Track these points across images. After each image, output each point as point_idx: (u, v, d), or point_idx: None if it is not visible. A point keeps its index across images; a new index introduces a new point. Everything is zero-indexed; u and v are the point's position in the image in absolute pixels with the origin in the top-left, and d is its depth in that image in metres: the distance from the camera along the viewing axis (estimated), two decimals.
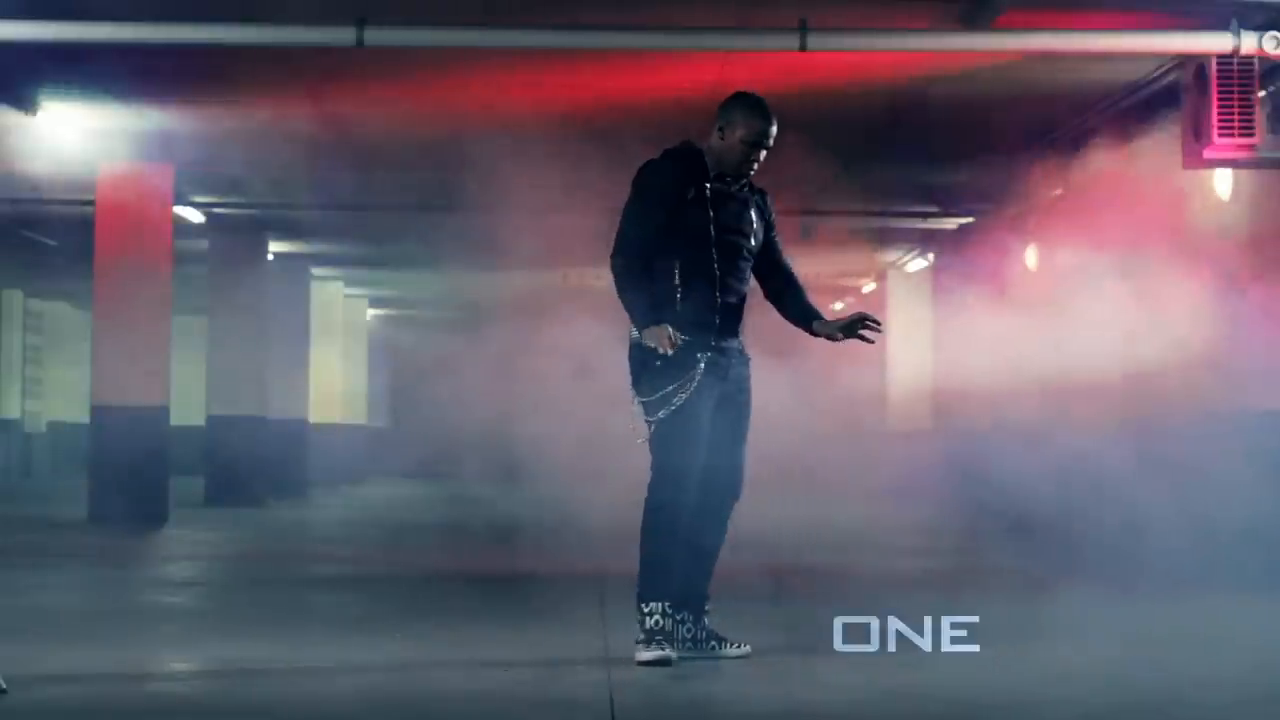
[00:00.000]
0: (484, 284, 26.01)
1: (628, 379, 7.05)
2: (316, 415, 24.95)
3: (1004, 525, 14.44)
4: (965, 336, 16.72)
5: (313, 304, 24.66)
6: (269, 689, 6.29)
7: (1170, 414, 11.92)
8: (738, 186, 7.06)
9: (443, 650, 7.35)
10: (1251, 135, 10.47)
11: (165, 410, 16.33)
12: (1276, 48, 10.08)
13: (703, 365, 6.90)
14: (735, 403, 7.03)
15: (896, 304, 22.52)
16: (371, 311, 31.00)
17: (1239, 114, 10.42)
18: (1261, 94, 10.60)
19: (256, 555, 13.06)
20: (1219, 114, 10.42)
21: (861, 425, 19.49)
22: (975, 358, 15.61)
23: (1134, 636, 8.04)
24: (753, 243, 7.08)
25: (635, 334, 6.96)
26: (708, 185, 7.00)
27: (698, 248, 6.94)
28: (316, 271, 24.95)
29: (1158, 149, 12.39)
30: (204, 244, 20.53)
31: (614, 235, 7.06)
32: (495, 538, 15.32)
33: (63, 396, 30.12)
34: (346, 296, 27.70)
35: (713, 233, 6.96)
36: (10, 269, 25.95)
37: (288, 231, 21.19)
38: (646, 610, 6.89)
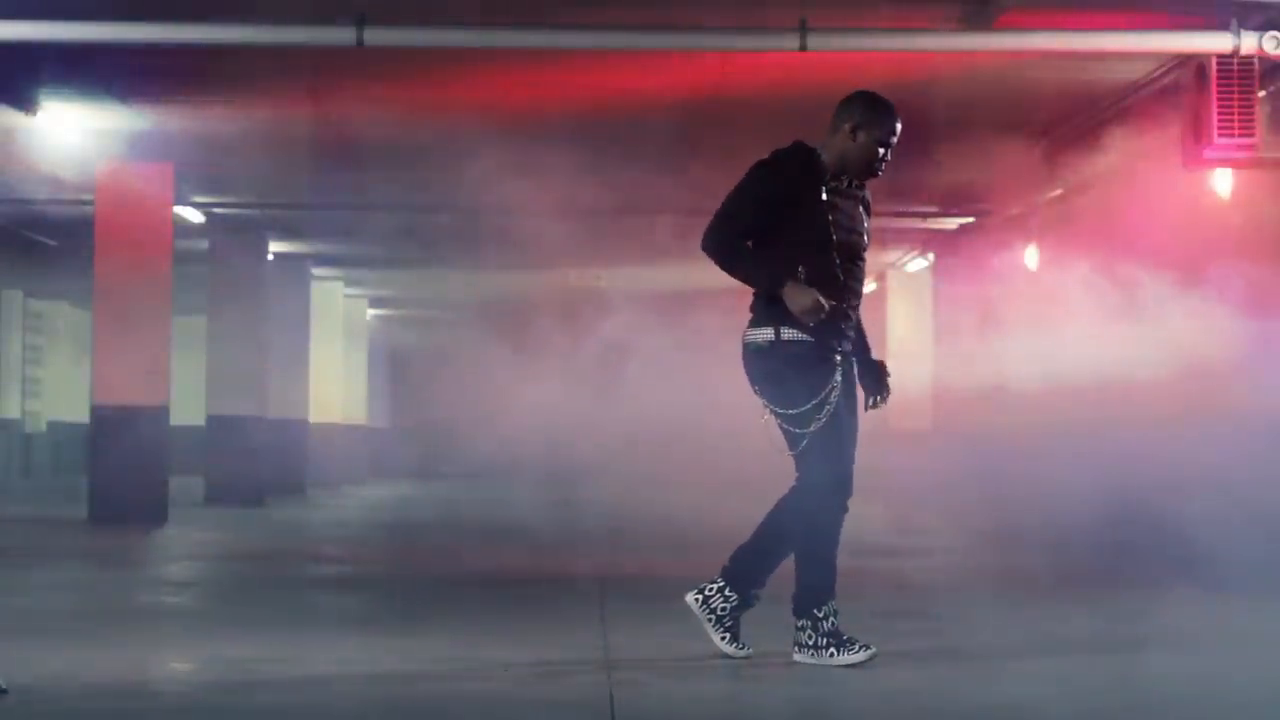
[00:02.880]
0: (485, 284, 26.02)
1: (755, 388, 6.88)
2: (316, 415, 24.96)
3: (1004, 528, 14.44)
4: (965, 337, 16.72)
5: (313, 304, 24.66)
6: (269, 689, 6.29)
7: (1163, 417, 11.92)
8: (849, 185, 6.94)
9: (443, 650, 7.35)
10: (1251, 135, 10.47)
11: (165, 410, 16.33)
12: (1276, 48, 10.09)
13: (840, 371, 6.81)
14: (854, 406, 6.94)
15: (896, 304, 22.51)
16: (371, 311, 30.99)
17: (1239, 114, 10.42)
18: (1261, 94, 10.60)
19: (256, 555, 13.06)
20: (1219, 114, 10.42)
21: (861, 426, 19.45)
22: (975, 358, 15.61)
23: (1139, 640, 8.04)
24: (866, 240, 6.98)
25: (762, 341, 6.82)
26: (824, 187, 6.87)
27: (820, 251, 6.79)
28: (316, 271, 24.95)
29: (1158, 149, 12.39)
30: (204, 244, 20.53)
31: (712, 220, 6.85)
32: (495, 538, 15.31)
33: (63, 396, 30.12)
34: (346, 296, 27.69)
35: (834, 235, 6.83)
36: (10, 269, 25.94)
37: (288, 231, 21.19)
38: (822, 614, 6.81)
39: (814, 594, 6.83)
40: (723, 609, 6.96)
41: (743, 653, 6.96)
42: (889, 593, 9.95)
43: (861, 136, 6.89)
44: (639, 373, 20.49)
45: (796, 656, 6.85)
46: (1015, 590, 10.36)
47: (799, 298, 6.71)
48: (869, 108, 6.93)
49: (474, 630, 8.11)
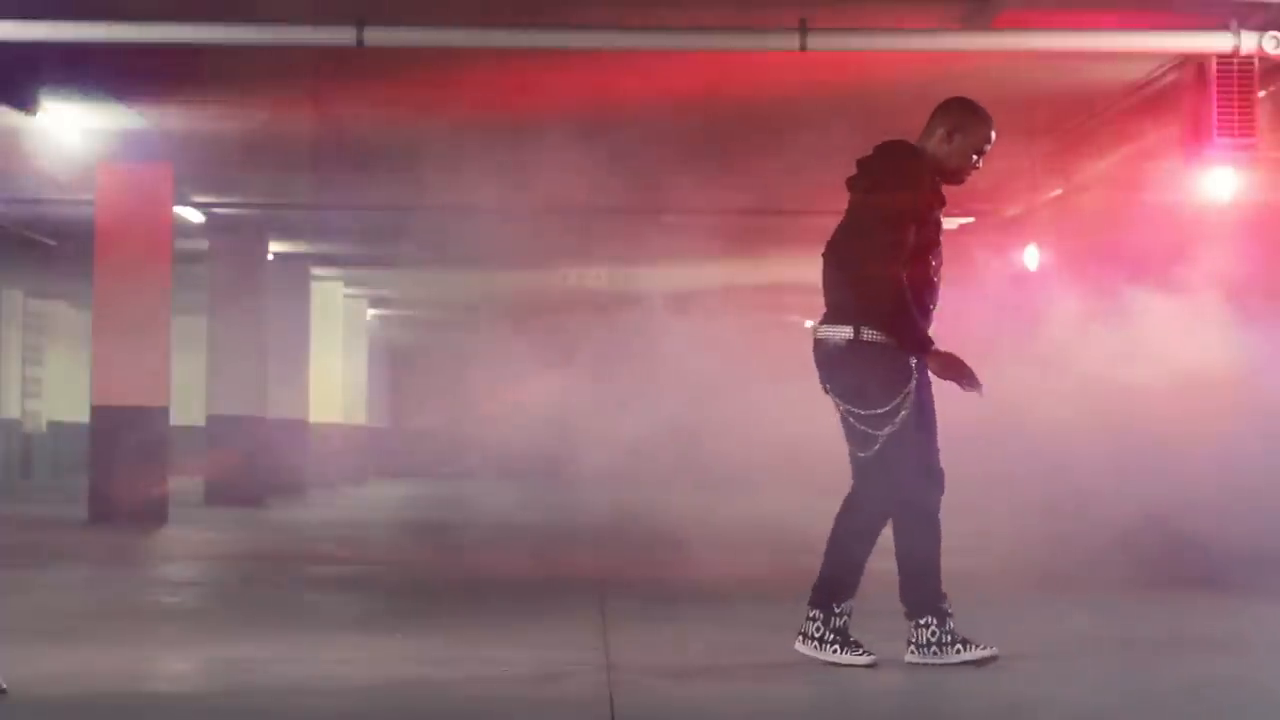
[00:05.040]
0: (485, 284, 26.03)
1: (826, 386, 6.81)
2: (316, 415, 24.95)
3: (1006, 528, 14.43)
4: (965, 336, 16.70)
5: (313, 304, 24.66)
6: (269, 689, 6.29)
7: (1168, 418, 11.92)
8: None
9: (442, 650, 7.35)
10: (1251, 135, 10.47)
11: (165, 410, 16.33)
12: (1276, 48, 10.10)
13: (916, 375, 6.74)
14: (931, 403, 6.87)
15: None
16: (371, 311, 31.00)
17: (1239, 114, 10.42)
18: (1261, 94, 10.60)
19: (256, 555, 13.05)
20: (1219, 114, 10.42)
21: None
22: (974, 357, 15.60)
23: (1145, 641, 8.04)
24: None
25: (840, 339, 6.74)
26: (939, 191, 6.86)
27: (923, 256, 6.77)
28: (316, 271, 24.95)
29: (1158, 149, 12.39)
30: (204, 244, 20.53)
31: (877, 241, 6.69)
32: (495, 537, 15.31)
33: (63, 396, 30.12)
34: (346, 296, 27.69)
35: (939, 238, 6.84)
36: (10, 269, 25.95)
37: (288, 231, 21.19)
38: (838, 611, 6.76)
39: (837, 589, 6.78)
40: (933, 636, 6.80)
41: (985, 653, 6.77)
42: (892, 593, 9.93)
43: (958, 140, 6.92)
44: (640, 372, 20.48)
45: (799, 647, 6.79)
46: (1019, 590, 10.36)
47: (946, 365, 6.69)
48: (967, 113, 6.98)
49: (474, 630, 8.11)
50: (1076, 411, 13.53)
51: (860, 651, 6.75)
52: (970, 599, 9.78)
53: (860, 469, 6.81)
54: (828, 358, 6.83)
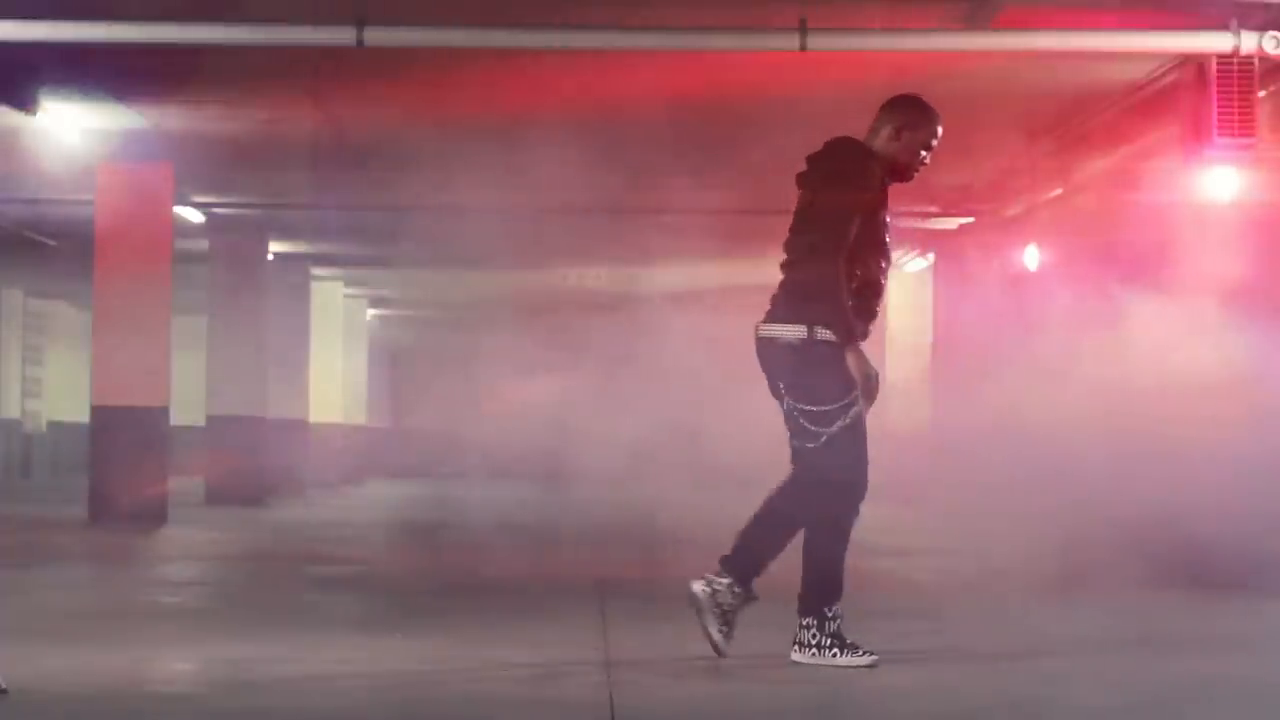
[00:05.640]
0: (485, 284, 26.03)
1: (779, 383, 6.84)
2: (316, 415, 24.95)
3: (1006, 529, 14.43)
4: (965, 337, 16.71)
5: (313, 304, 24.66)
6: (269, 689, 6.29)
7: (1167, 419, 11.92)
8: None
9: (442, 650, 7.35)
10: (1251, 135, 10.46)
11: (165, 410, 16.33)
12: (1276, 48, 10.09)
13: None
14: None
15: (896, 304, 22.51)
16: (371, 311, 31.00)
17: (1239, 114, 10.41)
18: (1261, 94, 10.59)
19: (256, 555, 13.06)
20: (1219, 114, 10.41)
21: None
22: (975, 358, 15.61)
23: (1145, 640, 8.04)
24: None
25: (793, 338, 6.77)
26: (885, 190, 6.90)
27: (872, 255, 6.80)
28: (316, 271, 24.95)
29: (1158, 149, 12.39)
30: (204, 244, 20.53)
31: (820, 234, 6.75)
32: (495, 537, 15.31)
33: (63, 396, 30.12)
34: (346, 296, 27.69)
35: (886, 238, 6.87)
36: (10, 269, 25.95)
37: (288, 231, 21.19)
38: (830, 615, 6.77)
39: (825, 593, 6.79)
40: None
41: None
42: (891, 593, 9.95)
43: (906, 137, 6.94)
44: (640, 372, 20.48)
45: (796, 656, 6.81)
46: (1022, 591, 10.36)
47: (861, 363, 6.72)
48: (914, 110, 7.01)
49: (474, 630, 8.11)
50: (1079, 413, 13.55)
51: (861, 652, 6.75)
52: (972, 599, 9.82)
53: (806, 464, 6.81)
54: (780, 355, 6.85)
